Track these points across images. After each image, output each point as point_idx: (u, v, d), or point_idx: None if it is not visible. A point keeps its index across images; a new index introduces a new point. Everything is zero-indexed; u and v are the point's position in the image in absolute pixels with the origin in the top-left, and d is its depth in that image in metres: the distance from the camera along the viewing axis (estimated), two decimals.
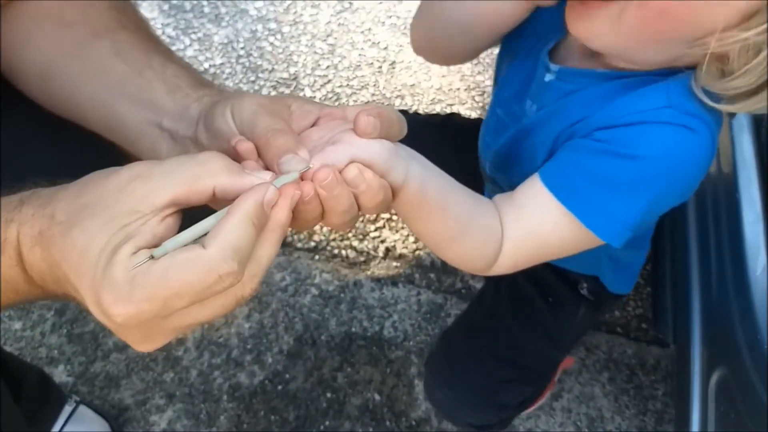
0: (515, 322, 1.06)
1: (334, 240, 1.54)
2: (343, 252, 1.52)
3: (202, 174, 0.45)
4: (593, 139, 0.67)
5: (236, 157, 0.51)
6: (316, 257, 1.51)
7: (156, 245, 0.43)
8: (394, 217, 1.55)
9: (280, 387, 1.36)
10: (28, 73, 0.62)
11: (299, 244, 1.53)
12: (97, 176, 0.45)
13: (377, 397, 1.35)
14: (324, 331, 1.42)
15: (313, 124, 0.58)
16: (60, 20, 0.61)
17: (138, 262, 0.41)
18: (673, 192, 0.68)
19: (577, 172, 0.67)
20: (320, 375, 1.37)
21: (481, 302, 1.15)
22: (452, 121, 1.25)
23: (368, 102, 1.72)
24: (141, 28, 0.65)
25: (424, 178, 0.58)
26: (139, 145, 0.60)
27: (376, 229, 1.55)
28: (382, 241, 1.53)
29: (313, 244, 1.53)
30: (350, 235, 1.54)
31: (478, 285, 1.48)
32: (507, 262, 0.70)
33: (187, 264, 0.41)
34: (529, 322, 1.05)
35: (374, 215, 1.56)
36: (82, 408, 1.23)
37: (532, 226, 0.69)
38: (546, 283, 1.04)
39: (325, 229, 1.54)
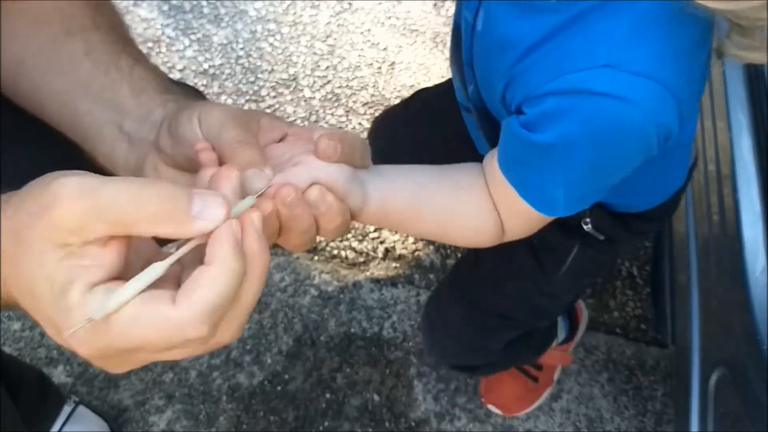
0: (494, 269, 1.01)
1: (333, 240, 1.54)
2: (343, 253, 1.52)
3: (141, 219, 0.38)
4: (517, 117, 0.60)
5: (197, 165, 0.50)
6: (316, 258, 1.51)
7: (107, 277, 0.38)
8: None
9: (279, 387, 1.36)
10: (1, 66, 0.61)
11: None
12: (31, 191, 0.38)
13: (376, 397, 1.35)
14: (323, 332, 1.42)
15: (280, 141, 0.58)
16: (35, 16, 0.60)
17: (82, 322, 0.37)
18: (610, 165, 0.61)
19: (508, 153, 0.63)
20: (319, 375, 1.37)
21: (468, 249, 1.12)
22: (420, 95, 1.19)
23: (366, 103, 1.72)
24: (115, 29, 0.63)
25: (385, 198, 0.59)
26: (97, 145, 0.58)
27: (375, 230, 1.55)
28: (382, 242, 1.53)
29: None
30: (350, 235, 1.54)
31: None
32: (515, 231, 0.68)
33: (152, 322, 0.37)
34: (509, 268, 0.99)
35: None
36: (81, 408, 1.23)
37: (507, 203, 0.65)
38: None
39: None
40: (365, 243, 1.53)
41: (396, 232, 1.54)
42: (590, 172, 0.61)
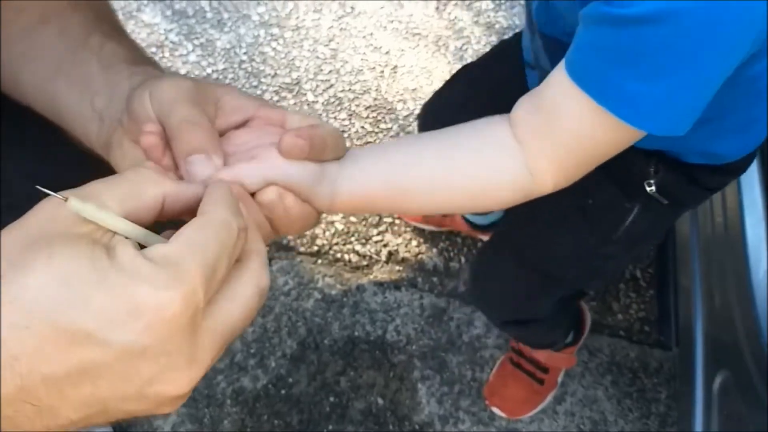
0: (547, 227, 0.96)
1: (336, 244, 1.54)
2: (346, 256, 1.52)
3: (147, 186, 0.38)
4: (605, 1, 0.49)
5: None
6: (319, 261, 1.52)
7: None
8: (397, 221, 1.56)
9: (283, 391, 1.36)
10: None
11: (302, 249, 1.53)
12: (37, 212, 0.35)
13: (380, 400, 1.35)
14: (327, 335, 1.42)
15: (244, 123, 0.51)
16: (10, 7, 0.60)
17: (60, 196, 0.34)
18: (723, 50, 0.48)
19: (595, 52, 0.50)
20: (323, 379, 1.37)
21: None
22: (462, 74, 1.14)
23: (369, 107, 1.73)
24: (94, 10, 0.61)
25: (355, 189, 0.52)
26: (76, 127, 0.55)
27: (378, 233, 1.55)
28: (385, 245, 1.53)
29: (315, 248, 1.53)
30: (353, 239, 1.54)
31: None
32: (551, 180, 0.56)
33: (206, 226, 0.36)
34: (561, 227, 0.95)
35: (377, 218, 1.56)
36: None
37: (565, 135, 0.53)
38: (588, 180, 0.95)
39: (327, 233, 1.55)
40: (368, 246, 1.53)
41: (399, 235, 1.54)
42: (702, 62, 0.48)
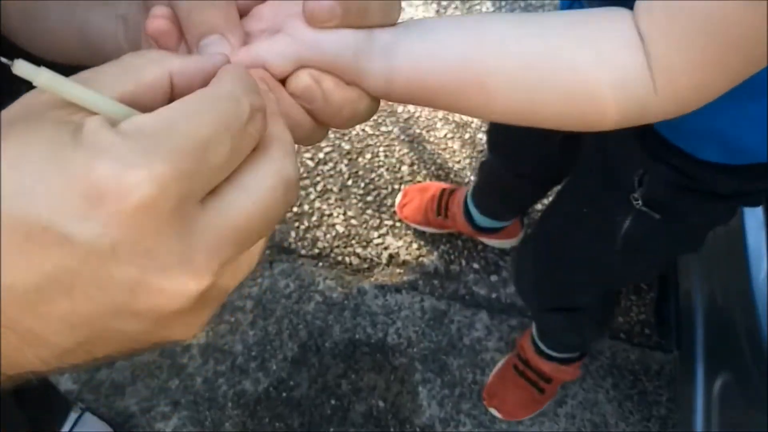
0: (568, 226, 0.96)
1: (337, 247, 1.54)
2: (347, 259, 1.53)
3: (147, 64, 0.31)
4: None
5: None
6: (320, 264, 1.52)
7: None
8: (398, 224, 1.56)
9: (284, 394, 1.36)
10: (9, 11, 0.60)
11: (303, 251, 1.53)
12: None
13: (381, 403, 1.35)
14: (328, 338, 1.42)
15: None
16: None
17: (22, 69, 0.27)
18: None
19: None
20: (324, 382, 1.37)
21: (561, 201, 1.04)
22: None
23: None
24: None
25: (424, 63, 0.38)
26: (106, 49, 0.49)
27: (379, 236, 1.55)
28: (386, 248, 1.53)
29: (316, 251, 1.53)
30: (354, 241, 1.55)
31: (482, 291, 1.48)
32: (672, 91, 0.40)
33: (204, 96, 0.29)
34: (579, 229, 0.94)
35: (378, 221, 1.56)
36: (88, 415, 1.24)
37: (699, 19, 0.37)
38: (584, 189, 0.91)
39: (328, 236, 1.55)
40: (369, 249, 1.54)
41: (400, 238, 1.54)
42: None
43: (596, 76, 0.39)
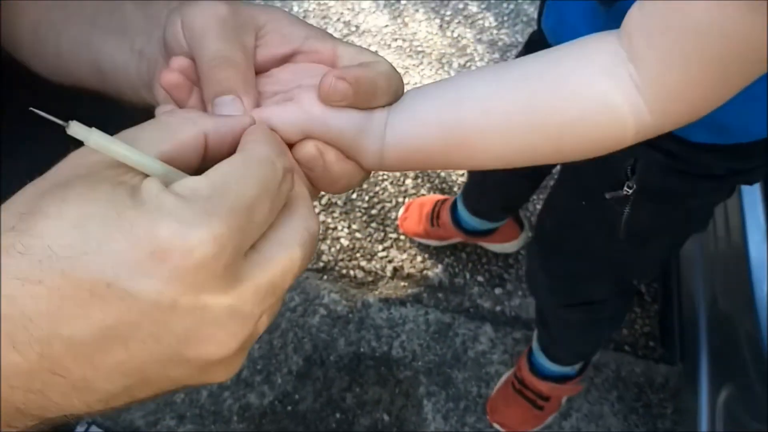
0: (556, 224, 1.00)
1: (342, 260, 1.55)
2: (351, 272, 1.53)
3: (183, 124, 0.34)
4: None
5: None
6: (325, 277, 1.52)
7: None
8: (402, 237, 1.57)
9: (289, 407, 1.36)
10: (21, 34, 0.60)
11: (308, 265, 1.54)
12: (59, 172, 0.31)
13: (386, 417, 1.35)
14: (333, 352, 1.42)
15: (288, 59, 0.42)
16: None
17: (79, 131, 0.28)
18: None
19: None
20: (329, 395, 1.38)
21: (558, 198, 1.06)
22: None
23: None
24: None
25: (410, 137, 0.41)
26: (120, 81, 0.50)
27: (383, 249, 1.56)
28: (390, 261, 1.54)
29: (321, 264, 1.54)
30: (358, 255, 1.55)
31: (486, 304, 1.49)
32: (656, 125, 0.40)
33: (245, 161, 0.31)
34: (578, 227, 0.96)
35: (383, 234, 1.57)
36: (94, 429, 1.24)
37: (688, 32, 0.37)
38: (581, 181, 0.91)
39: (332, 249, 1.56)
40: (374, 262, 1.54)
41: (404, 251, 1.55)
42: None
43: (582, 105, 0.39)
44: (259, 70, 0.41)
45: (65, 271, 0.25)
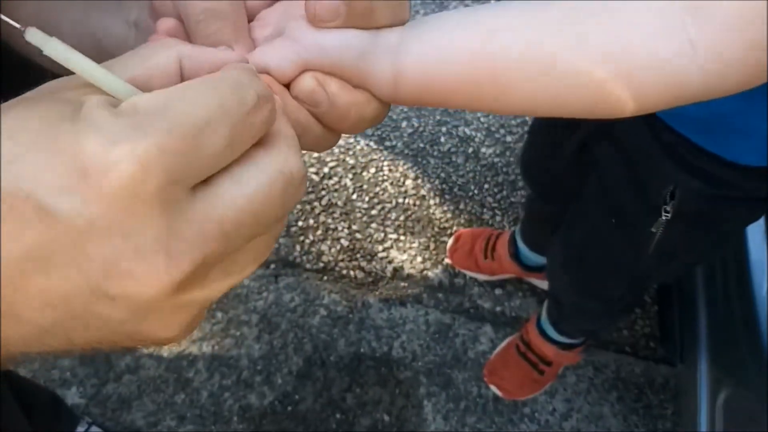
0: (580, 240, 1.00)
1: (342, 261, 1.55)
2: (352, 273, 1.53)
3: (157, 48, 0.31)
4: None
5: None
6: (325, 278, 1.52)
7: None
8: (402, 237, 1.57)
9: (289, 408, 1.36)
10: (22, 23, 0.60)
11: (308, 265, 1.54)
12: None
13: (386, 417, 1.35)
14: (333, 352, 1.43)
15: None
16: None
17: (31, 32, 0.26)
18: None
19: None
20: (329, 396, 1.38)
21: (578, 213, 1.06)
22: None
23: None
24: None
25: (432, 58, 0.36)
26: (117, 54, 0.52)
27: (383, 250, 1.56)
28: (390, 262, 1.54)
29: (321, 265, 1.54)
30: (358, 255, 1.55)
31: (486, 305, 1.49)
32: (707, 87, 0.35)
33: (207, 80, 0.27)
34: (593, 238, 0.97)
35: (383, 235, 1.57)
36: (95, 429, 1.25)
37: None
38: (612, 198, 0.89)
39: (333, 250, 1.56)
40: (374, 263, 1.54)
41: (404, 252, 1.55)
42: None
43: (627, 53, 0.34)
44: (251, 17, 0.38)
45: None
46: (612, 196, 0.87)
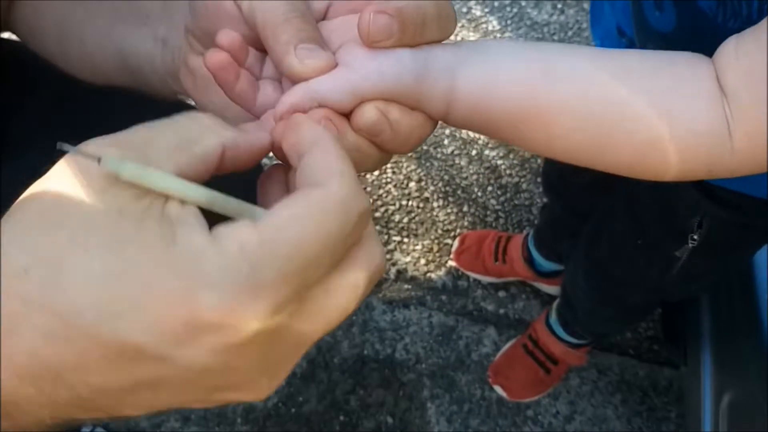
0: (606, 256, 1.00)
1: None
2: None
3: (202, 134, 0.30)
4: None
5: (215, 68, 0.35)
6: None
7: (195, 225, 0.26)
8: (405, 240, 1.57)
9: (293, 410, 1.36)
10: (46, 33, 0.60)
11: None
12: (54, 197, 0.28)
13: (390, 420, 1.35)
14: (336, 354, 1.43)
15: (324, 14, 0.38)
16: None
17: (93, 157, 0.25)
18: None
19: None
20: (333, 398, 1.38)
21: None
22: None
23: None
24: None
25: (490, 82, 0.36)
26: (145, 72, 0.48)
27: (387, 252, 1.56)
28: (394, 264, 1.54)
29: None
30: None
31: (490, 307, 1.49)
32: (738, 166, 0.37)
33: (315, 208, 0.26)
34: (618, 256, 0.98)
35: (386, 237, 1.57)
36: (99, 430, 1.25)
37: None
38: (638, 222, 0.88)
39: None
40: None
41: (408, 254, 1.55)
42: None
43: (670, 120, 0.35)
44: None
45: (92, 333, 0.24)
46: (638, 218, 0.88)
